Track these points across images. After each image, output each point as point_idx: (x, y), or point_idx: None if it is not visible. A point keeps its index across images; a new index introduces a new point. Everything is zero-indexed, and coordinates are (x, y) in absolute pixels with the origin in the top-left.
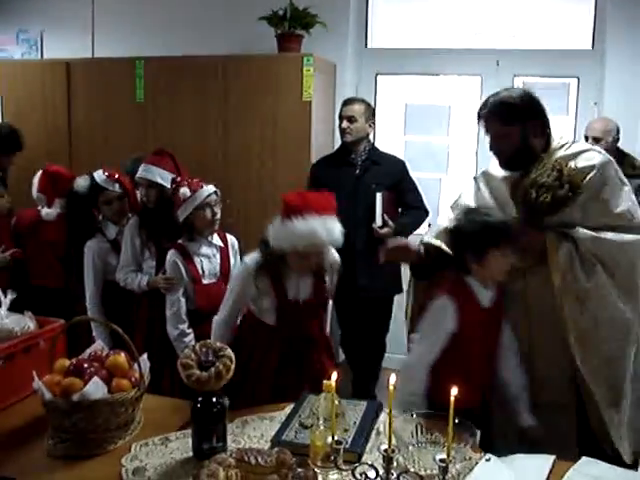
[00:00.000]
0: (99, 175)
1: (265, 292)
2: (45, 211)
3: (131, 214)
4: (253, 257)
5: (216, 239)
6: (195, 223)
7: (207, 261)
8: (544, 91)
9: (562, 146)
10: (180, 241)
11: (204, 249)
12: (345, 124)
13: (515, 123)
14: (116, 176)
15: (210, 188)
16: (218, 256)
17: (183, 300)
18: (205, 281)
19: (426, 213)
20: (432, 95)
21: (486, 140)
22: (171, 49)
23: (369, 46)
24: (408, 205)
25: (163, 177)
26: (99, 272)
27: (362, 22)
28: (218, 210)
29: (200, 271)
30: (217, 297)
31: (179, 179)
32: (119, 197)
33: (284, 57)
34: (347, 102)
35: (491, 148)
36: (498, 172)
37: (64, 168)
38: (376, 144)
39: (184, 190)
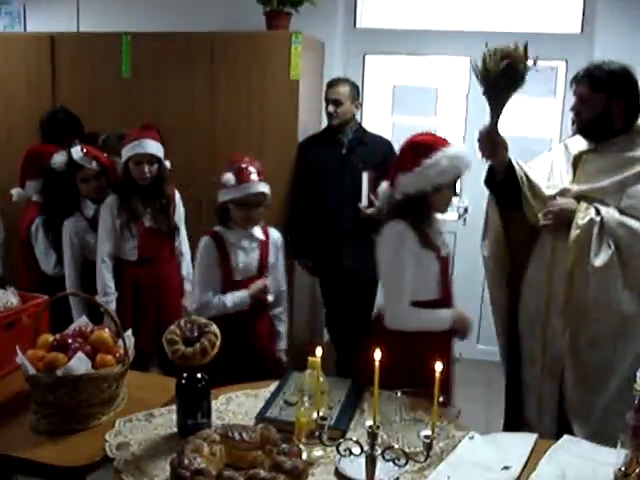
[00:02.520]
0: (76, 151)
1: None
2: (16, 191)
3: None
4: (395, 224)
5: (257, 231)
6: (230, 213)
7: (243, 254)
8: (532, 73)
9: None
10: (216, 228)
11: (242, 241)
12: (331, 108)
13: (602, 92)
14: (94, 153)
15: (260, 186)
16: (257, 251)
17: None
18: (238, 277)
19: None
20: (420, 76)
21: (571, 100)
22: (158, 25)
23: (358, 26)
24: None
25: (160, 150)
26: (77, 251)
27: (351, 1)
28: (260, 211)
29: (234, 264)
30: None
31: (233, 159)
32: (97, 174)
33: (272, 35)
34: (332, 84)
35: (572, 109)
36: (574, 146)
37: (45, 147)
38: (363, 124)
39: (228, 177)
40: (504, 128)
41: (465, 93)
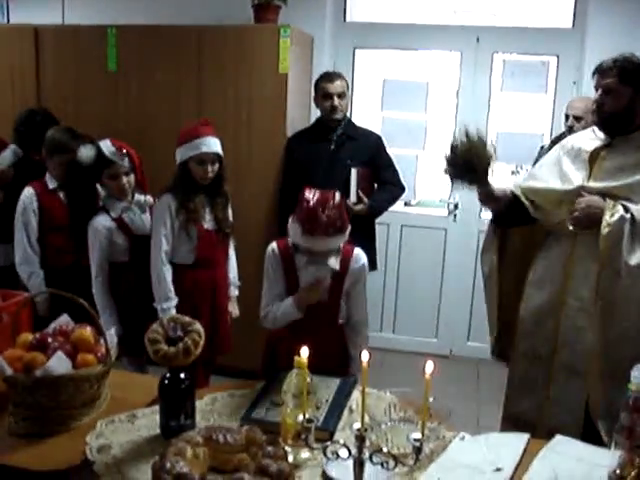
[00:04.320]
0: (107, 146)
1: None
2: None
3: (142, 191)
4: None
5: (333, 262)
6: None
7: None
8: (523, 69)
9: None
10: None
11: (311, 267)
12: (337, 101)
13: (630, 84)
14: (126, 149)
15: (330, 243)
16: (329, 280)
17: None
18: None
19: (402, 189)
20: (410, 71)
21: (593, 94)
22: (145, 17)
23: (348, 20)
24: (384, 181)
25: (220, 148)
26: (105, 253)
27: None
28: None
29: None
30: None
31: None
32: (126, 172)
33: (260, 28)
34: (331, 78)
35: (596, 101)
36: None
37: None
38: (353, 119)
39: (295, 227)
40: (495, 124)
41: (456, 89)
